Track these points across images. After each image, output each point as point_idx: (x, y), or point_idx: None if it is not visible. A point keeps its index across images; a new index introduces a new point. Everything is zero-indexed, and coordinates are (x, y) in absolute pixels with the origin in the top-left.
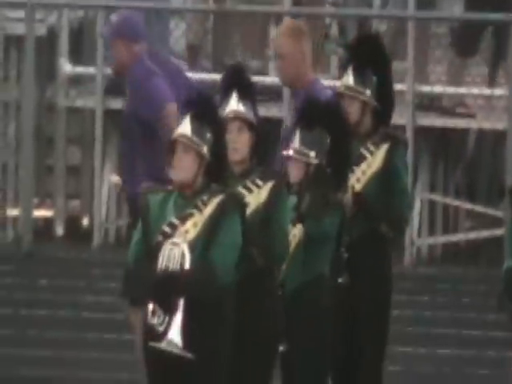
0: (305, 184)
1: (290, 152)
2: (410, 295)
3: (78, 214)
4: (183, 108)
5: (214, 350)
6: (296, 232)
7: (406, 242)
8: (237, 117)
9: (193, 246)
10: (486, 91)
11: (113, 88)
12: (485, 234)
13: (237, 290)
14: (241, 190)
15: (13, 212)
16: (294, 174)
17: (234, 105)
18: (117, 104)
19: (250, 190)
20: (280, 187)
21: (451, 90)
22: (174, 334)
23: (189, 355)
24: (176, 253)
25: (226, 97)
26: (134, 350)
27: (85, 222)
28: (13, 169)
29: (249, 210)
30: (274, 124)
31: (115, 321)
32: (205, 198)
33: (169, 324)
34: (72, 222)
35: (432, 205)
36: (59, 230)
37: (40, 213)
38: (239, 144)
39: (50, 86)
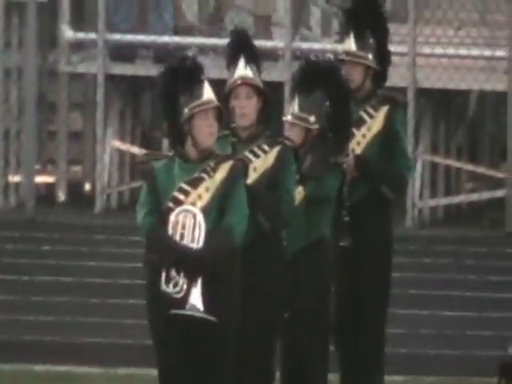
0: (306, 148)
1: (289, 117)
2: (411, 257)
3: (80, 179)
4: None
5: (229, 312)
6: (297, 195)
7: (407, 204)
8: (245, 82)
9: (206, 211)
10: (487, 52)
11: (117, 53)
12: (486, 195)
13: (243, 254)
14: (247, 154)
15: (15, 178)
16: (294, 138)
17: (242, 70)
18: (119, 69)
19: (256, 155)
20: (286, 152)
21: (452, 51)
22: (196, 299)
23: (211, 318)
24: (191, 220)
25: (232, 61)
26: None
27: (87, 187)
28: (15, 135)
29: (255, 175)
30: (274, 88)
31: (118, 285)
32: (211, 163)
33: (188, 290)
34: (74, 188)
35: (434, 167)
36: (61, 196)
37: (42, 179)
38: (247, 109)
39: (52, 52)
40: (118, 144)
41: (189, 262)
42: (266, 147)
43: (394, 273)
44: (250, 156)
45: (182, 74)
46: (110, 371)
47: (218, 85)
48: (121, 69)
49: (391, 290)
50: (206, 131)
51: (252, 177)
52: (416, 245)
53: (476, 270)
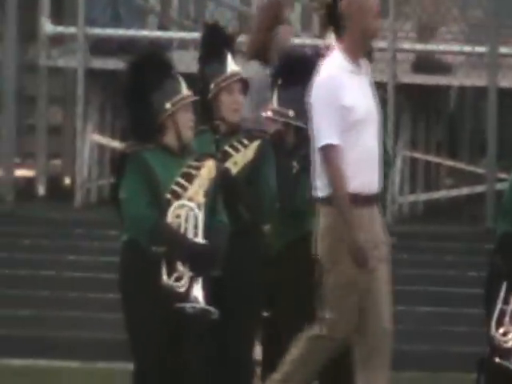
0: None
1: (269, 113)
2: (391, 253)
3: (59, 173)
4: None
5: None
6: None
7: (387, 199)
8: (239, 78)
9: (203, 207)
10: (467, 48)
11: (97, 48)
12: (466, 191)
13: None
14: (227, 149)
15: None
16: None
17: (234, 66)
18: (99, 63)
19: (236, 149)
20: (266, 146)
21: (433, 47)
22: (198, 292)
23: (213, 310)
24: (190, 215)
25: (210, 56)
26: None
27: (66, 181)
28: None
29: (236, 169)
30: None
31: (97, 279)
32: (193, 159)
33: (190, 284)
34: (54, 182)
35: (413, 162)
36: (41, 190)
37: (22, 172)
38: (241, 105)
39: (32, 45)
40: (97, 138)
41: (199, 257)
42: (245, 141)
43: None
44: (230, 150)
45: (151, 68)
46: (88, 365)
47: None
48: (101, 63)
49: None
50: (188, 125)
51: (232, 171)
52: (395, 240)
53: (455, 266)
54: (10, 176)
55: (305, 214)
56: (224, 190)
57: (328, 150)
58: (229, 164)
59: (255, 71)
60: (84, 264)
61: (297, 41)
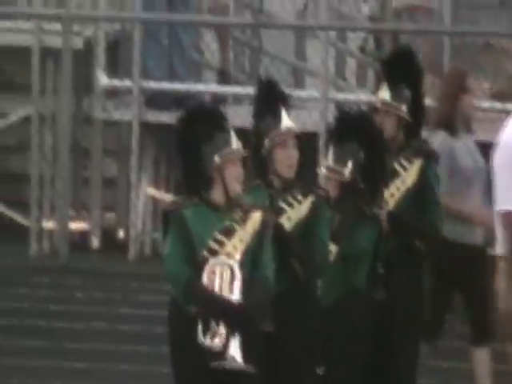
0: (337, 202)
1: (323, 170)
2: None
3: (113, 226)
4: None
5: (261, 361)
6: (332, 249)
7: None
8: (293, 134)
9: (242, 263)
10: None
11: (152, 101)
12: None
13: (277, 303)
14: (282, 204)
15: (49, 224)
16: (330, 191)
17: (288, 121)
18: (154, 117)
19: (290, 205)
20: (320, 202)
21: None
22: (235, 351)
23: (250, 369)
24: (227, 272)
25: (265, 111)
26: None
27: (120, 234)
28: (49, 181)
29: (289, 224)
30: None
31: (150, 333)
32: (240, 212)
33: (227, 342)
34: (108, 235)
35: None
36: (95, 243)
37: (76, 225)
38: (295, 160)
39: (87, 98)
40: (151, 191)
41: (233, 315)
42: (299, 197)
43: None
44: (284, 205)
45: (203, 121)
46: None
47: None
48: (156, 116)
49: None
50: (235, 179)
51: (286, 226)
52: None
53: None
54: (64, 228)
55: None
56: (277, 244)
57: (507, 217)
58: (283, 219)
59: (442, 141)
60: (137, 317)
61: (351, 97)
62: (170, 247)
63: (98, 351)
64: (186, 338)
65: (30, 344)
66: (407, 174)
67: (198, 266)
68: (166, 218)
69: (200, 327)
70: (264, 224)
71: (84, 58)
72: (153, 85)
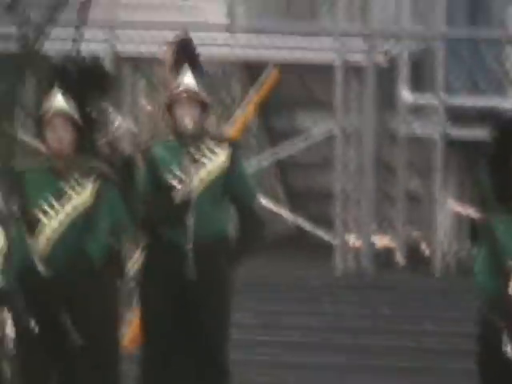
0: None
1: None
2: None
3: (418, 242)
4: None
5: None
6: None
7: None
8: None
9: None
10: None
11: (456, 117)
12: None
13: None
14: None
15: (353, 241)
16: None
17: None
18: (458, 133)
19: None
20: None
21: None
22: None
23: None
24: None
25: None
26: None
27: (425, 250)
28: (353, 197)
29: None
30: None
31: (458, 350)
32: None
33: None
34: (413, 251)
35: None
36: (400, 259)
37: (381, 242)
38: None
39: (391, 115)
40: (457, 207)
41: None
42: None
43: None
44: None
45: None
46: None
47: None
48: (460, 132)
49: None
50: None
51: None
52: None
53: None
54: (369, 246)
55: None
56: None
57: None
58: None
59: None
60: (443, 333)
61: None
62: (479, 262)
63: (403, 368)
64: (492, 350)
65: (334, 360)
66: None
67: (505, 278)
68: (474, 232)
69: (505, 339)
70: None
71: (387, 75)
72: (456, 101)
